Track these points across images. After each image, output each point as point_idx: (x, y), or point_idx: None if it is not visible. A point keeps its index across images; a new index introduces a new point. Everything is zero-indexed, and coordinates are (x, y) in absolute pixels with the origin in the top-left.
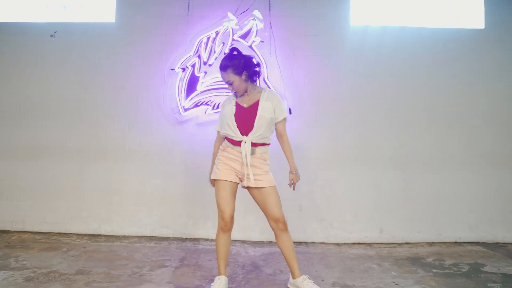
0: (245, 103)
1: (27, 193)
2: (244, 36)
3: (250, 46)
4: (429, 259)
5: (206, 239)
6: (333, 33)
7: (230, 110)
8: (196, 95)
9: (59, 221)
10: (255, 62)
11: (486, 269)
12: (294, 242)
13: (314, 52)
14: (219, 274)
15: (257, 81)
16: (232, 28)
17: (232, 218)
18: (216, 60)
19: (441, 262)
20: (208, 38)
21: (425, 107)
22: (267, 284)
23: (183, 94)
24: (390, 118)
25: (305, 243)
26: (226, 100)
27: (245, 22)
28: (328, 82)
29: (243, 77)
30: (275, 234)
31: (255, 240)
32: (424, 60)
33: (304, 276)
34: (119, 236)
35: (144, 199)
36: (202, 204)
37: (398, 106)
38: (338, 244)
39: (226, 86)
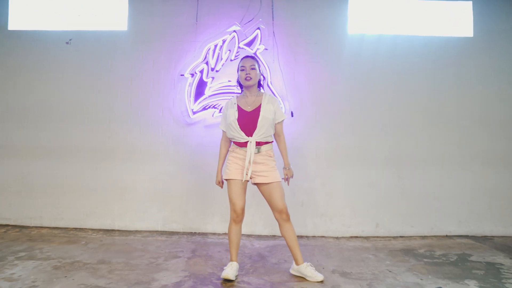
0: (249, 106)
1: (44, 190)
2: (249, 44)
3: (255, 53)
4: (421, 250)
5: (214, 233)
6: (332, 41)
7: (233, 115)
8: (204, 99)
9: (75, 217)
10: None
11: (472, 258)
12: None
13: (314, 58)
14: (231, 260)
15: (261, 88)
16: (238, 37)
17: (243, 210)
18: (223, 67)
19: (432, 253)
20: (216, 46)
21: (418, 110)
22: (272, 272)
23: (192, 98)
24: (385, 120)
25: (306, 236)
26: (228, 103)
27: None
28: (327, 86)
29: (258, 73)
30: (279, 224)
31: (260, 234)
32: (417, 66)
33: (306, 263)
34: (132, 230)
35: (155, 196)
36: (209, 201)
37: (392, 109)
38: (337, 238)
39: (244, 72)
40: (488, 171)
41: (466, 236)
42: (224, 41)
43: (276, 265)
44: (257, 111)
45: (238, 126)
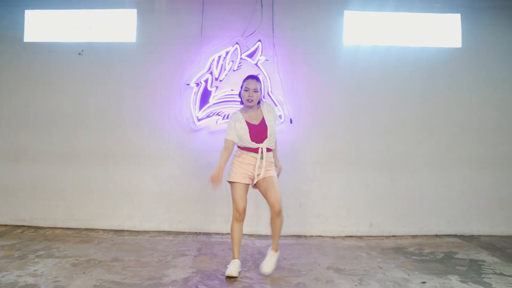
0: (254, 119)
1: (57, 193)
2: (251, 55)
3: (256, 64)
4: (411, 249)
5: (217, 233)
6: (329, 52)
7: (244, 128)
8: (208, 107)
9: (87, 218)
10: None
11: (457, 256)
12: (294, 235)
13: (312, 68)
14: (234, 258)
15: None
16: (240, 48)
17: (245, 210)
18: (226, 77)
19: (421, 251)
20: (220, 57)
21: (409, 116)
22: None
23: (197, 106)
24: (379, 126)
25: (304, 236)
26: (233, 117)
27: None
28: (324, 94)
29: (260, 94)
30: (271, 216)
31: (260, 234)
32: (409, 75)
33: (275, 252)
34: (140, 231)
35: (162, 198)
36: (213, 203)
37: (385, 116)
38: (333, 237)
39: (247, 92)
40: (475, 174)
41: (455, 235)
42: (227, 53)
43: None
44: (263, 123)
45: (250, 139)
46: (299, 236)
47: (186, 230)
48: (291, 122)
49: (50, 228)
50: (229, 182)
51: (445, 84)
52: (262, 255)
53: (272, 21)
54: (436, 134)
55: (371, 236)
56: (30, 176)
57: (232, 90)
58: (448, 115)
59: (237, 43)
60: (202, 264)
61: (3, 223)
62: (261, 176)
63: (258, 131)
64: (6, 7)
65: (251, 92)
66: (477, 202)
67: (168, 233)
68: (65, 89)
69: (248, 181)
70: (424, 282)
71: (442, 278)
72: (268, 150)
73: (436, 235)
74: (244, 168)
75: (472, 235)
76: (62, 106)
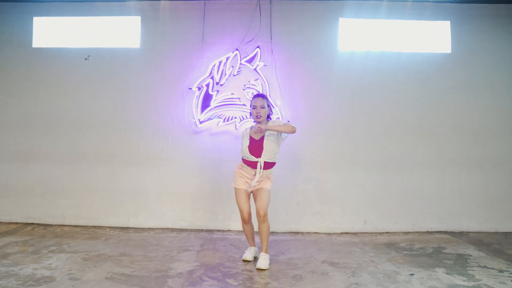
0: (256, 136)
1: (66, 192)
2: (250, 60)
3: (255, 69)
4: (402, 244)
5: (219, 230)
6: (324, 57)
7: (245, 143)
8: (210, 110)
9: (94, 216)
10: None
11: (446, 251)
12: (292, 232)
13: (309, 73)
14: (250, 246)
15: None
16: (240, 54)
17: (249, 214)
18: (226, 81)
19: (411, 246)
20: (220, 62)
21: (401, 119)
22: (271, 262)
23: (198, 109)
24: (372, 128)
25: (301, 232)
26: (243, 132)
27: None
28: (320, 98)
29: (267, 109)
30: (258, 222)
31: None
32: (401, 80)
33: (265, 254)
34: (145, 228)
35: (166, 197)
36: (214, 201)
37: (378, 119)
38: (329, 234)
39: (255, 110)
40: (465, 173)
41: (445, 232)
42: (228, 58)
43: (275, 256)
44: (261, 139)
45: (249, 152)
46: (297, 233)
47: (189, 227)
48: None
49: (58, 225)
50: (234, 188)
51: (436, 87)
52: None
53: (270, 28)
54: (427, 135)
55: (365, 233)
56: (39, 176)
57: (232, 94)
58: (439, 117)
59: (237, 49)
60: (205, 258)
61: (14, 221)
62: (256, 187)
63: (257, 146)
64: (16, 14)
65: (258, 109)
66: (467, 200)
67: (172, 230)
68: (72, 92)
69: (247, 187)
70: (412, 274)
71: (429, 270)
72: (268, 166)
73: (427, 231)
74: (244, 179)
75: (462, 232)
76: (69, 109)
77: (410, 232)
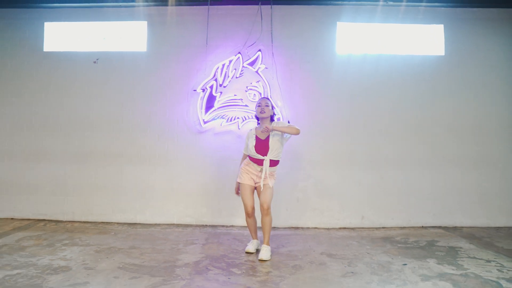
0: (262, 136)
1: (75, 190)
2: (252, 63)
3: (257, 72)
4: (398, 238)
5: (222, 225)
6: (323, 60)
7: (252, 143)
8: (213, 110)
9: (103, 212)
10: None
11: (438, 244)
12: (292, 227)
13: (308, 75)
14: (253, 239)
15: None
16: (242, 57)
17: (253, 208)
18: (229, 83)
19: (406, 240)
20: (223, 65)
21: (398, 119)
22: (273, 253)
23: (203, 110)
24: (370, 128)
25: (301, 228)
26: (249, 133)
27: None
28: (319, 99)
29: (271, 110)
30: (261, 215)
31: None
32: (397, 81)
33: (267, 246)
34: (152, 224)
35: (171, 194)
36: (218, 198)
37: (376, 119)
38: (328, 229)
39: (260, 107)
40: (458, 171)
41: (439, 227)
42: (230, 61)
43: (275, 249)
44: (267, 139)
45: (255, 151)
46: (297, 228)
47: (194, 223)
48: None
49: (69, 221)
50: (239, 182)
51: (430, 88)
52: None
53: (271, 32)
54: (422, 135)
55: (362, 228)
56: (49, 175)
57: (235, 95)
58: (433, 117)
59: (239, 52)
60: (210, 251)
61: (26, 217)
62: (261, 185)
63: (263, 145)
64: (28, 20)
65: (262, 106)
66: (460, 197)
67: (177, 225)
68: (81, 94)
69: (252, 183)
70: (405, 264)
71: (421, 261)
72: (273, 163)
73: (422, 226)
74: (249, 175)
75: (455, 227)
76: (79, 110)
77: (405, 227)
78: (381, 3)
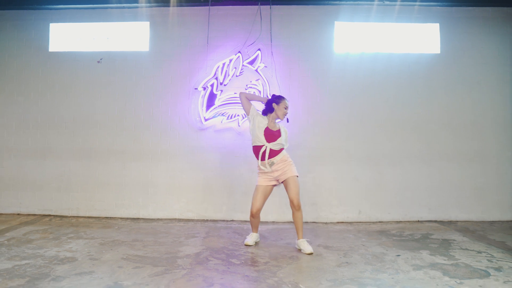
0: (272, 128)
1: (80, 186)
2: (251, 62)
3: (256, 70)
4: (393, 231)
5: (223, 220)
6: (321, 59)
7: (263, 122)
8: (214, 108)
9: (106, 207)
10: None
11: (432, 236)
12: (291, 222)
13: (306, 74)
14: (252, 232)
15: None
16: (242, 56)
17: (258, 211)
18: (230, 81)
19: (401, 233)
20: (224, 64)
21: (394, 116)
22: (271, 246)
23: (204, 107)
24: (366, 125)
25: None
26: (258, 113)
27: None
28: (317, 97)
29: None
30: (292, 211)
31: (262, 220)
32: (394, 79)
33: (304, 239)
34: (154, 218)
35: (173, 190)
36: (219, 193)
37: (372, 116)
38: (325, 223)
39: (286, 110)
40: (453, 166)
41: (435, 221)
42: (231, 60)
43: (274, 241)
44: (279, 132)
45: (264, 136)
46: None
47: (195, 218)
48: (287, 122)
49: (73, 216)
50: (256, 185)
51: (426, 86)
52: (263, 237)
53: (270, 32)
54: (418, 131)
55: (359, 222)
56: (55, 171)
57: (235, 93)
58: (429, 114)
59: (239, 51)
60: (210, 243)
61: (32, 213)
62: (283, 176)
63: (273, 134)
64: (33, 21)
65: (287, 110)
66: (455, 192)
67: (179, 220)
68: (85, 93)
69: (270, 183)
70: (398, 255)
71: (414, 252)
72: (275, 152)
73: (418, 221)
74: (264, 177)
75: (451, 221)
76: (83, 108)
77: (401, 221)
78: (377, 2)
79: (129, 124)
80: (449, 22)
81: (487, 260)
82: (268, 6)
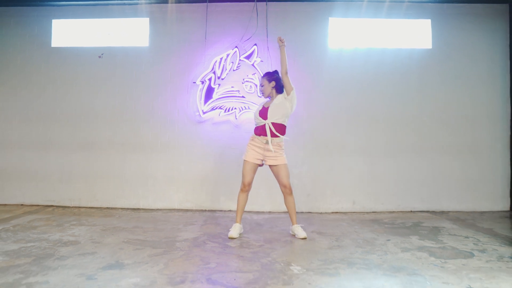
0: (267, 105)
1: (82, 177)
2: (248, 57)
3: (253, 65)
4: (386, 220)
5: (221, 210)
6: (316, 54)
7: (258, 109)
8: (212, 101)
9: (107, 198)
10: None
11: (423, 224)
12: (286, 212)
13: (301, 68)
14: (236, 222)
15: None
16: (239, 51)
17: (249, 184)
18: (227, 75)
19: (394, 221)
20: (221, 59)
21: (387, 109)
22: (266, 232)
23: (202, 101)
24: (359, 118)
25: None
26: (260, 104)
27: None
28: (312, 91)
29: (272, 84)
30: (283, 196)
31: (257, 210)
32: (386, 73)
33: (298, 225)
34: (154, 209)
35: (173, 181)
36: (217, 184)
37: (365, 109)
38: (320, 213)
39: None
40: (445, 158)
41: (427, 211)
42: (228, 55)
43: (269, 228)
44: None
45: (259, 115)
46: None
47: (194, 208)
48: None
49: (75, 207)
50: (244, 160)
51: (418, 80)
52: (259, 225)
53: (266, 28)
54: (410, 124)
55: (354, 212)
56: (57, 163)
57: (232, 87)
58: (421, 107)
59: (236, 46)
60: (208, 230)
61: (35, 204)
62: (274, 163)
63: (265, 111)
64: (36, 17)
65: (259, 87)
66: (447, 183)
67: (178, 210)
68: (87, 87)
69: (258, 162)
70: (388, 240)
71: (404, 237)
72: (277, 128)
73: (410, 211)
74: (256, 151)
75: (442, 211)
76: (85, 102)
77: (395, 211)
78: None
79: (129, 117)
80: (440, 18)
81: (473, 243)
82: (264, 3)
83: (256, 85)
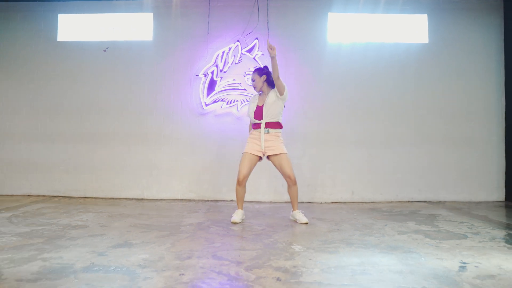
0: (261, 102)
1: (87, 168)
2: (250, 50)
3: (254, 58)
4: (384, 209)
5: (223, 200)
6: (315, 48)
7: (252, 108)
8: (214, 94)
9: (112, 189)
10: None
11: (421, 212)
12: (288, 202)
13: (301, 62)
14: (238, 208)
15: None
16: (240, 45)
17: (244, 178)
18: (229, 69)
19: (392, 210)
20: (223, 52)
21: (385, 102)
22: (268, 218)
23: (204, 93)
24: (358, 110)
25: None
26: (252, 98)
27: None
28: (312, 84)
29: (263, 78)
30: (287, 185)
31: (259, 200)
32: (384, 67)
33: (298, 210)
34: (158, 199)
35: (176, 172)
36: (219, 175)
37: (364, 102)
38: (320, 203)
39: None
40: (441, 149)
41: (424, 201)
42: (230, 49)
43: (271, 215)
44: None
45: (253, 116)
46: None
47: (197, 198)
48: (284, 107)
49: (81, 197)
50: (242, 153)
51: (415, 74)
52: (261, 213)
53: (267, 22)
54: (407, 116)
55: (353, 202)
56: (63, 154)
57: (234, 80)
58: (417, 100)
59: (238, 40)
60: (211, 217)
61: (42, 194)
62: (273, 152)
63: (260, 110)
64: (42, 12)
65: (252, 82)
66: (444, 174)
67: (181, 200)
68: (92, 80)
69: (257, 153)
70: (386, 225)
71: (401, 223)
72: (273, 125)
73: (408, 201)
74: (254, 143)
75: (439, 201)
76: (90, 95)
77: (393, 201)
78: None
79: (133, 110)
80: (436, 13)
81: (467, 227)
82: None
83: None
